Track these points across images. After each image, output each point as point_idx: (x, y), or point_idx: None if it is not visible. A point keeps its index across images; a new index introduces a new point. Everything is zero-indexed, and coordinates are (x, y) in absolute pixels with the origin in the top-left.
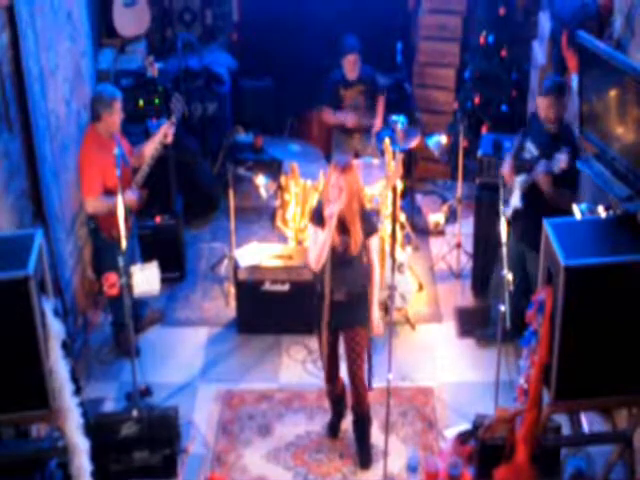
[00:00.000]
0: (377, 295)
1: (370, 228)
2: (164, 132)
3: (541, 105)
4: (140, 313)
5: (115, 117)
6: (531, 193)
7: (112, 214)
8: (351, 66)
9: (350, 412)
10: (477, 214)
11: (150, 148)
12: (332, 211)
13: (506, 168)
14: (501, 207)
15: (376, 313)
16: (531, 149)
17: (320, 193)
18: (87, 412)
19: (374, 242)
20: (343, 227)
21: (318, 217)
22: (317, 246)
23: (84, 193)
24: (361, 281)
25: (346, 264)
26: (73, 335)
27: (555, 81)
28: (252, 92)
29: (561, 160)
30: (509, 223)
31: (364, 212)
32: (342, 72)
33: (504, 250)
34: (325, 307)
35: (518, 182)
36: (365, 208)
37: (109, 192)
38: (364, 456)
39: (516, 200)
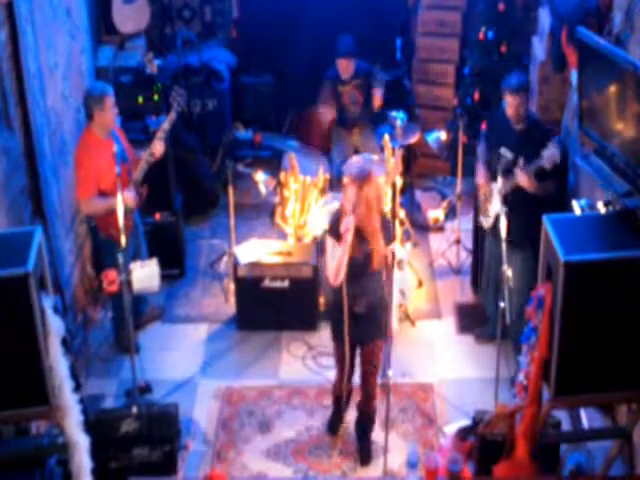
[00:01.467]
0: (395, 300)
1: (389, 237)
2: (164, 127)
3: (513, 103)
4: (140, 310)
5: (108, 113)
6: (513, 193)
7: (108, 214)
8: (344, 68)
9: (355, 410)
10: (476, 210)
11: (147, 153)
12: (347, 226)
13: (481, 178)
14: (481, 218)
15: (394, 318)
16: (506, 153)
17: (319, 191)
18: (87, 409)
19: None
20: (361, 235)
21: (336, 230)
22: (335, 260)
23: (78, 195)
24: (380, 291)
25: (367, 276)
26: (73, 332)
27: (522, 78)
28: (251, 89)
29: (553, 154)
30: (492, 228)
31: (384, 221)
32: (337, 70)
33: (504, 247)
34: (345, 320)
35: (497, 188)
36: (384, 216)
37: (105, 193)
38: (364, 453)
39: (497, 206)
